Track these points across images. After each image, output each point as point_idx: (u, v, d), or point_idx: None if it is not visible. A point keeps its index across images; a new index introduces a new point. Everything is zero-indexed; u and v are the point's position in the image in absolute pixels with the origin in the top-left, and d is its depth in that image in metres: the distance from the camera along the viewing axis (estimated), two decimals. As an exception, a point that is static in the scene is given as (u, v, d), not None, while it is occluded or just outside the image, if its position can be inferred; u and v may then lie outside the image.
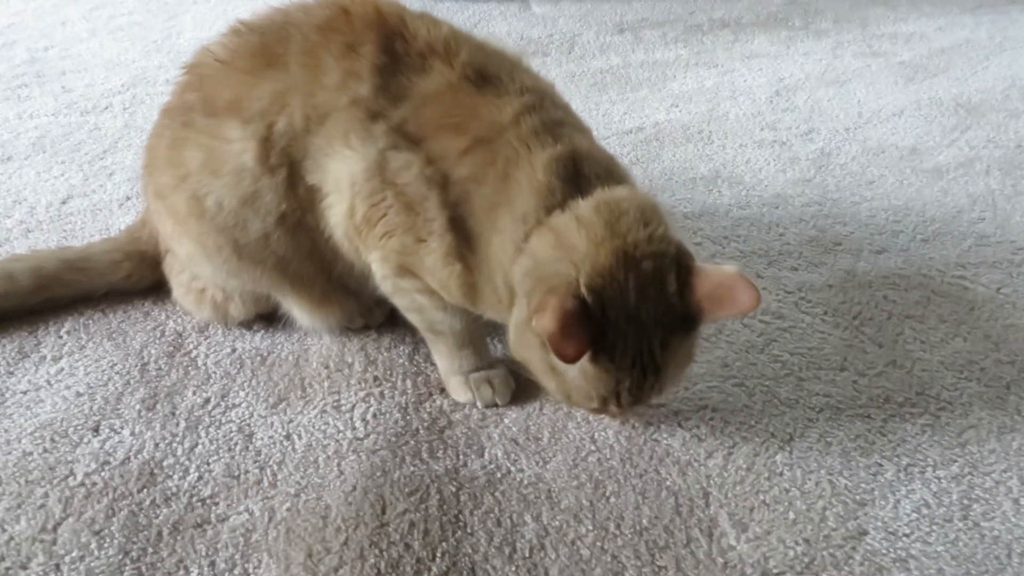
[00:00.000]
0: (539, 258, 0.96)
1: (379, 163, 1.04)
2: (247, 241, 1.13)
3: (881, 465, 1.06)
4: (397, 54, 1.06)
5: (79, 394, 1.15)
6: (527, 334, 0.97)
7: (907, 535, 0.97)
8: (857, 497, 1.02)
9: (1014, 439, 1.10)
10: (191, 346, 1.24)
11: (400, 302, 1.14)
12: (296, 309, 1.23)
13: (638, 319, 0.93)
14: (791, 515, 0.99)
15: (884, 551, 0.95)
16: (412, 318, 1.16)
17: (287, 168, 1.08)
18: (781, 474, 1.05)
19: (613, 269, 0.92)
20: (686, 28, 2.55)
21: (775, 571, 0.93)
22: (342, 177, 1.06)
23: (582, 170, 1.00)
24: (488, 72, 1.06)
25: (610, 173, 1.03)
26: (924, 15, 2.65)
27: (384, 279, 1.11)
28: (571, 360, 0.91)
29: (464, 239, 1.02)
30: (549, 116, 1.04)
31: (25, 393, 1.14)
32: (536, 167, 0.99)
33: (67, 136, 1.84)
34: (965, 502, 1.01)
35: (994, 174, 1.74)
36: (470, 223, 1.02)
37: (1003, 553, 0.95)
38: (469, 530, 0.97)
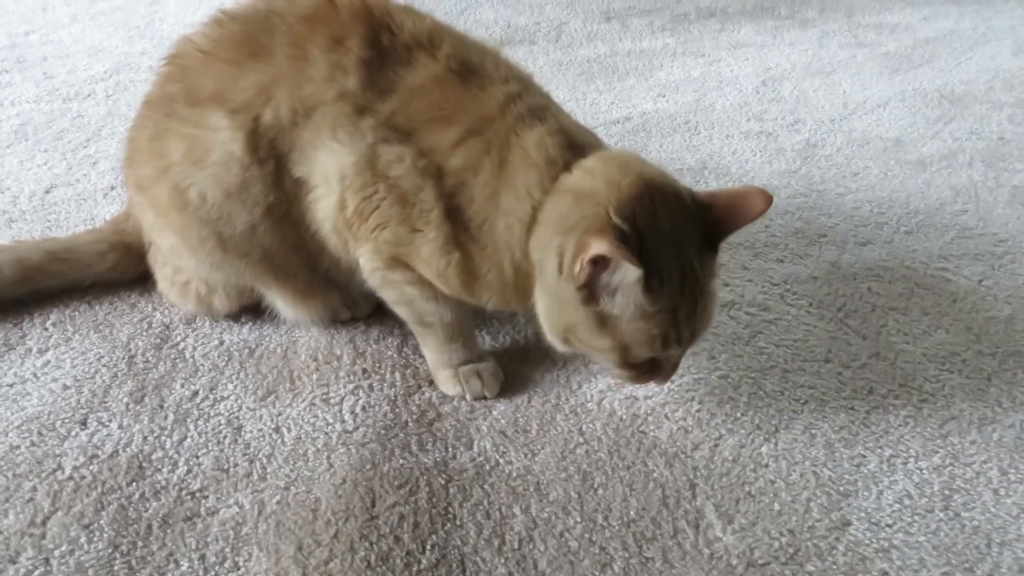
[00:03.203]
0: (562, 214, 0.98)
1: (369, 157, 1.04)
2: (232, 234, 1.12)
3: (864, 456, 1.07)
4: (383, 47, 1.06)
5: (66, 387, 1.14)
6: (567, 296, 0.98)
7: (889, 525, 0.98)
8: (841, 488, 1.03)
9: (995, 430, 1.12)
10: (179, 338, 1.24)
11: (389, 295, 1.15)
12: (280, 301, 1.22)
13: (673, 238, 0.97)
14: (776, 506, 1.01)
15: (867, 541, 0.97)
16: (401, 312, 1.16)
17: (274, 161, 1.08)
18: (766, 465, 1.06)
19: (637, 195, 0.96)
20: (673, 17, 2.54)
21: (760, 562, 0.94)
22: (331, 170, 1.06)
23: (575, 140, 1.05)
24: (471, 62, 1.07)
25: (599, 143, 1.09)
26: (909, 5, 2.67)
27: (373, 272, 1.11)
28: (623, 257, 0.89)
29: (463, 228, 1.03)
30: (534, 101, 1.07)
31: (11, 386, 1.14)
32: (528, 147, 1.02)
33: (50, 124, 1.82)
34: (946, 493, 1.03)
35: (977, 166, 1.75)
36: (469, 212, 1.03)
37: (983, 543, 0.97)
38: (458, 522, 0.98)
